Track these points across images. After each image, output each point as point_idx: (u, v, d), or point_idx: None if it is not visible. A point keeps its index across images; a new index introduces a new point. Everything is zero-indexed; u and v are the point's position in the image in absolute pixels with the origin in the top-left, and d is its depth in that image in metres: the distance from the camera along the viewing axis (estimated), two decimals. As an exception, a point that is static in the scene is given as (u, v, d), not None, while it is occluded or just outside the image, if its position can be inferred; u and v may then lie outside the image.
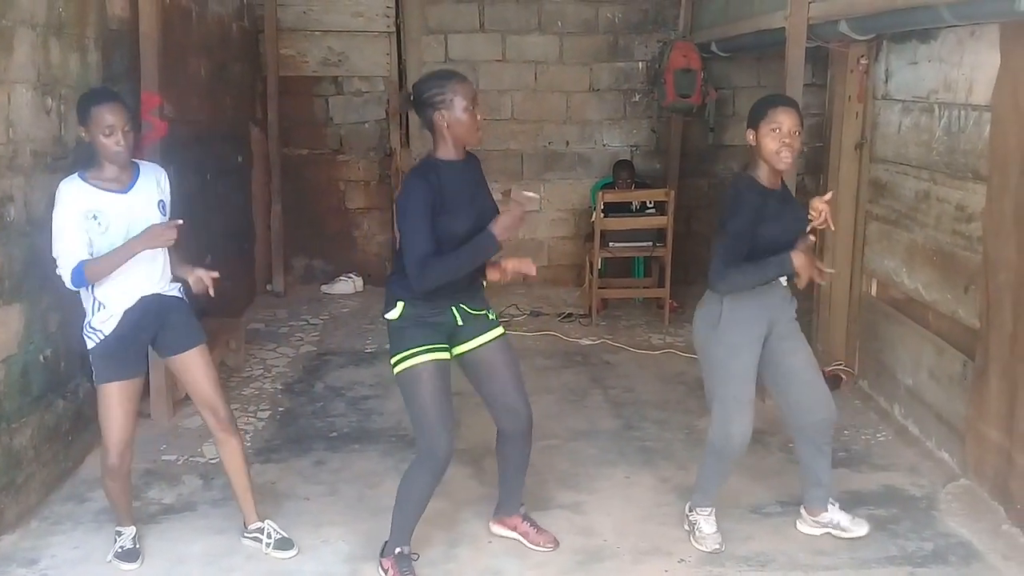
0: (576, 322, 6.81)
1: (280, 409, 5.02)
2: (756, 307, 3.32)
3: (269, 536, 3.45)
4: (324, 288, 7.83)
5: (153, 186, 3.27)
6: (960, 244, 4.12)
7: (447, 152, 3.13)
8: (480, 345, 3.25)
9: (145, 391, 3.68)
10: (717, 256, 3.24)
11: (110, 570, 3.34)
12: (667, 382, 5.50)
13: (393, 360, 3.18)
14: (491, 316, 3.30)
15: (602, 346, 6.25)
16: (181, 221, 3.20)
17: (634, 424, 4.82)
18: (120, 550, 3.39)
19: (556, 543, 3.51)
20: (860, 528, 3.56)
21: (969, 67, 4.05)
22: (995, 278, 3.80)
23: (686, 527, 3.60)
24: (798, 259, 3.20)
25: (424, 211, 3.01)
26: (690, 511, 3.59)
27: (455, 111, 3.05)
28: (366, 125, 7.92)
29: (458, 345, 3.24)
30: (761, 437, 4.55)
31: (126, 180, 3.20)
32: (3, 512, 3.48)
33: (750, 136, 3.29)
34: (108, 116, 3.08)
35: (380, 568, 3.30)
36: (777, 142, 3.21)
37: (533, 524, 3.55)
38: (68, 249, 3.08)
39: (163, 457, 4.28)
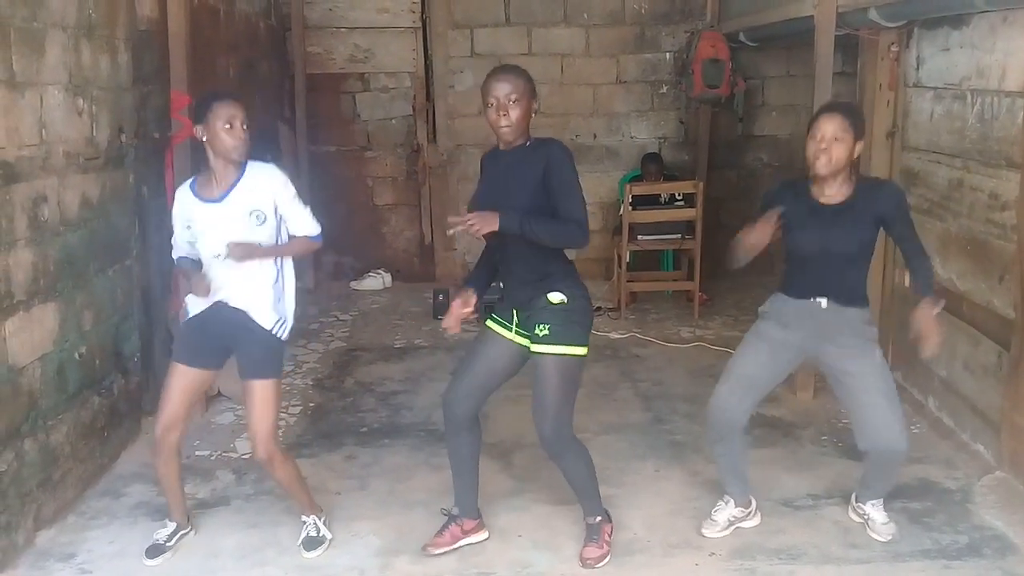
0: (605, 316, 6.79)
1: (311, 405, 5.06)
2: (785, 315, 3.37)
3: (305, 530, 3.49)
4: (353, 284, 7.87)
5: (250, 195, 3.20)
6: (994, 233, 4.06)
7: (499, 142, 3.23)
8: (534, 352, 3.22)
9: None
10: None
11: (145, 564, 3.39)
12: (697, 375, 5.47)
13: None
14: (540, 331, 3.16)
15: (631, 339, 6.23)
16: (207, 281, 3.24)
17: (664, 418, 4.80)
18: (153, 542, 3.44)
19: (588, 563, 3.36)
20: (885, 533, 3.49)
21: (1002, 53, 3.99)
22: (1030, 267, 3.74)
23: None
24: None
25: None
26: None
27: (484, 106, 3.15)
28: (393, 121, 7.95)
29: (534, 344, 3.22)
30: (792, 430, 4.54)
31: (224, 187, 3.20)
32: (41, 508, 3.54)
33: None
34: (230, 109, 3.15)
35: None
36: (814, 148, 3.18)
37: (589, 537, 3.43)
38: (175, 242, 3.41)
39: (196, 453, 4.33)
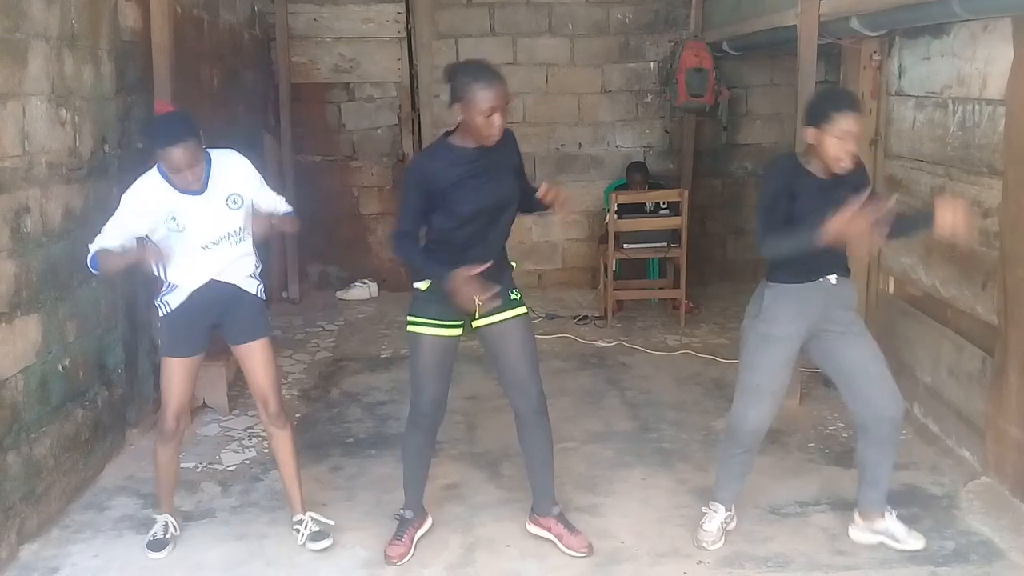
0: (592, 324, 6.80)
1: (296, 415, 5.02)
2: (797, 303, 3.30)
3: (307, 528, 3.55)
4: (339, 294, 7.85)
5: (226, 181, 3.33)
6: (977, 240, 4.09)
7: (461, 139, 3.17)
8: (498, 321, 3.32)
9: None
10: (758, 223, 3.20)
11: (151, 558, 3.48)
12: (683, 383, 5.48)
13: (408, 318, 3.35)
14: (514, 296, 3.34)
15: (618, 348, 6.24)
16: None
17: (651, 426, 4.80)
18: (151, 538, 3.55)
19: (590, 548, 3.45)
20: (916, 542, 3.46)
21: (982, 61, 4.02)
22: (1013, 273, 3.76)
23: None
24: (834, 223, 2.96)
25: (413, 193, 3.18)
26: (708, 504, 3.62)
27: (472, 112, 3.05)
28: (378, 131, 7.94)
29: (478, 319, 3.32)
30: (779, 437, 4.54)
31: (199, 178, 3.25)
32: (24, 521, 3.51)
33: (809, 134, 3.16)
34: (172, 158, 3.14)
35: None
36: (839, 149, 3.11)
37: (568, 526, 3.52)
38: (105, 231, 3.29)
39: (182, 465, 4.26)
